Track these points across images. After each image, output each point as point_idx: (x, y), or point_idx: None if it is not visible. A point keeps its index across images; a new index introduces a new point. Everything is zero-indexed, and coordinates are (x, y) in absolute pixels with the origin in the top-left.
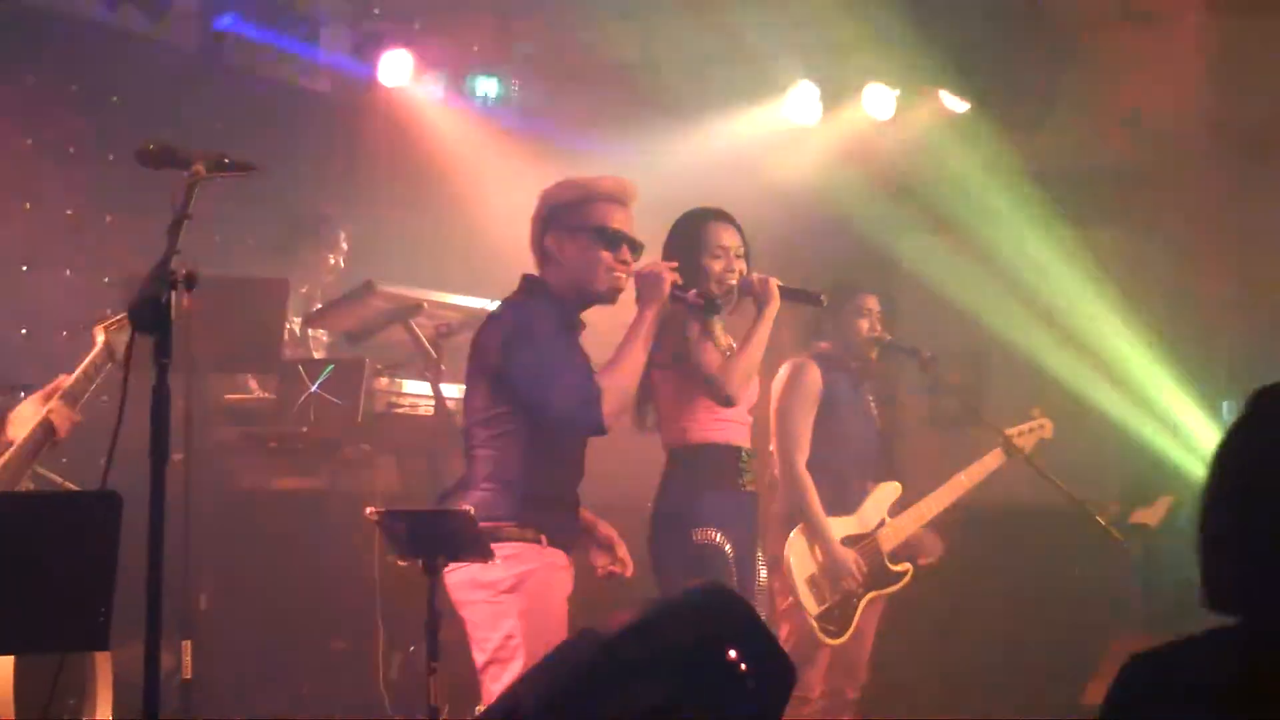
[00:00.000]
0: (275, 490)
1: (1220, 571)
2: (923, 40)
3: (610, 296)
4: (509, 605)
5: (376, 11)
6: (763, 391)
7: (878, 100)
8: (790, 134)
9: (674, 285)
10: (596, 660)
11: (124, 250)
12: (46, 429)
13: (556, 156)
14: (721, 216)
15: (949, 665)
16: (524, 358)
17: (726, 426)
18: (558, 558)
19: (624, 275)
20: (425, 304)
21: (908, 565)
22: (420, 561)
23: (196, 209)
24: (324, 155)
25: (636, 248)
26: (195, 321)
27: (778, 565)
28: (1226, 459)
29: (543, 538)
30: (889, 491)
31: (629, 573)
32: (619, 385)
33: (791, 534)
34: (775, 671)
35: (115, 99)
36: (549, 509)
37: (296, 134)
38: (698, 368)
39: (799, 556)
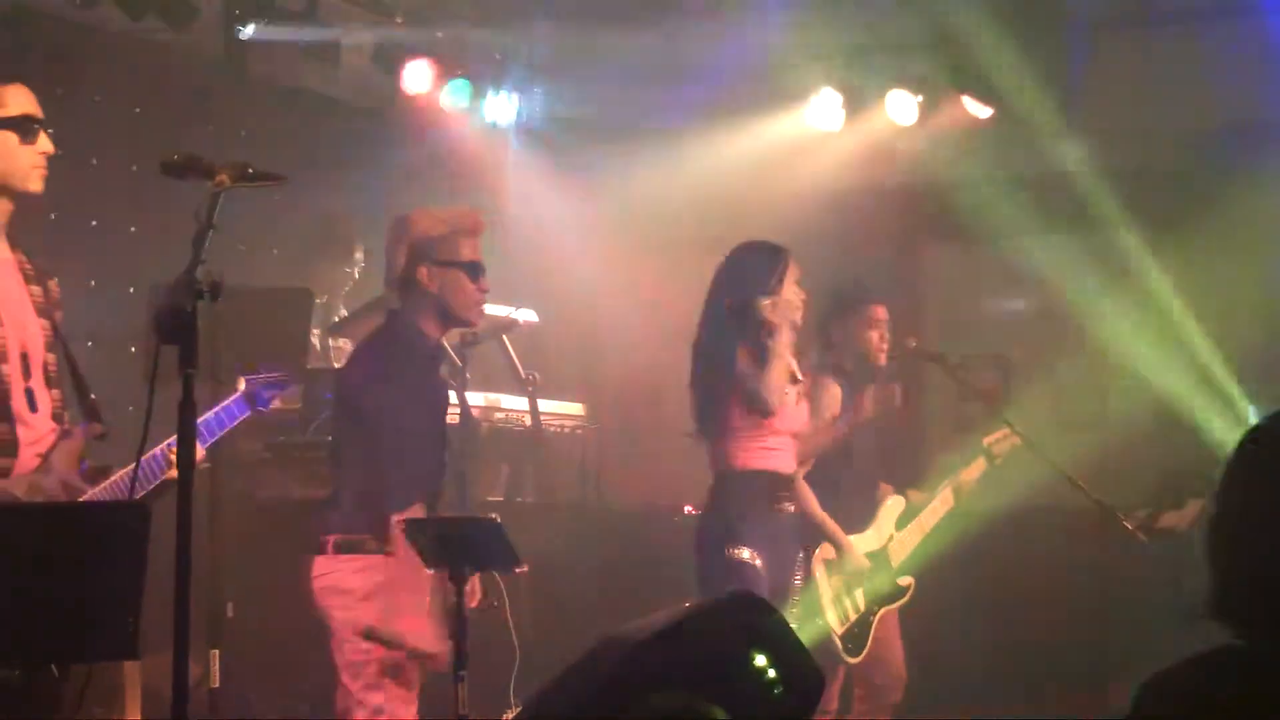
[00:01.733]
0: (300, 499)
1: (1226, 584)
2: (946, 45)
3: (475, 322)
4: (362, 613)
5: (399, 20)
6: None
7: (900, 106)
8: (813, 140)
9: None
10: (623, 666)
11: (148, 261)
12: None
13: (577, 164)
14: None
15: (977, 665)
16: (374, 394)
17: (770, 455)
18: (411, 567)
19: (484, 301)
20: None
21: (910, 578)
22: (446, 569)
23: (220, 219)
24: (347, 164)
25: (486, 275)
26: (220, 331)
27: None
28: (1244, 473)
29: (397, 551)
30: (895, 505)
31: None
32: None
33: (816, 552)
34: (803, 678)
35: (138, 109)
36: None
37: (319, 143)
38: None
39: (823, 576)
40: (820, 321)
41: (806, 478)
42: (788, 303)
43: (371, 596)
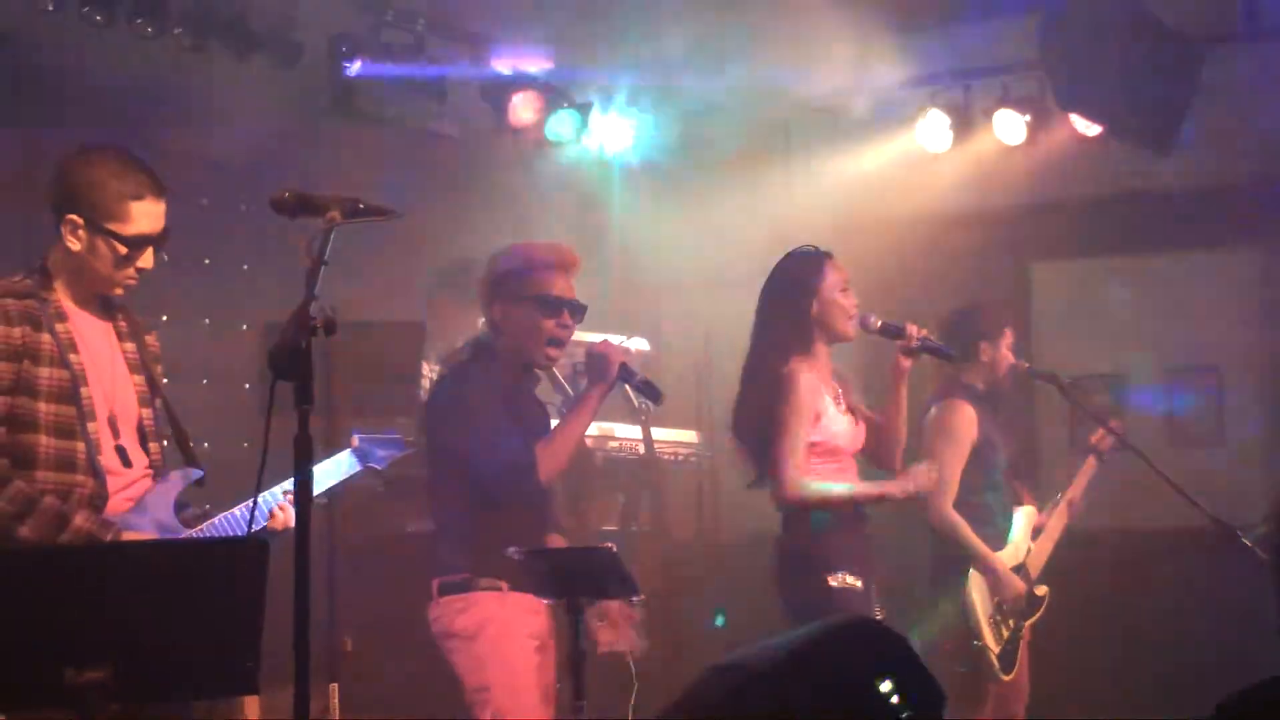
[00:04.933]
0: (416, 533)
1: None
2: (1051, 64)
3: (547, 363)
4: (475, 650)
5: (502, 53)
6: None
7: (1008, 126)
8: (922, 161)
9: (622, 366)
10: (746, 693)
11: (261, 298)
12: None
13: (687, 191)
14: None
15: (1093, 687)
16: (461, 427)
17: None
18: (522, 601)
19: (565, 339)
20: None
21: (1045, 587)
22: (563, 600)
23: (331, 255)
24: (457, 199)
25: (577, 311)
26: (332, 365)
27: (935, 606)
28: None
29: (503, 584)
30: (1028, 516)
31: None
32: (556, 453)
33: (970, 573)
34: (929, 702)
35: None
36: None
37: (429, 179)
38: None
39: (981, 596)
40: (962, 344)
41: (956, 504)
42: (833, 303)
43: (478, 635)
